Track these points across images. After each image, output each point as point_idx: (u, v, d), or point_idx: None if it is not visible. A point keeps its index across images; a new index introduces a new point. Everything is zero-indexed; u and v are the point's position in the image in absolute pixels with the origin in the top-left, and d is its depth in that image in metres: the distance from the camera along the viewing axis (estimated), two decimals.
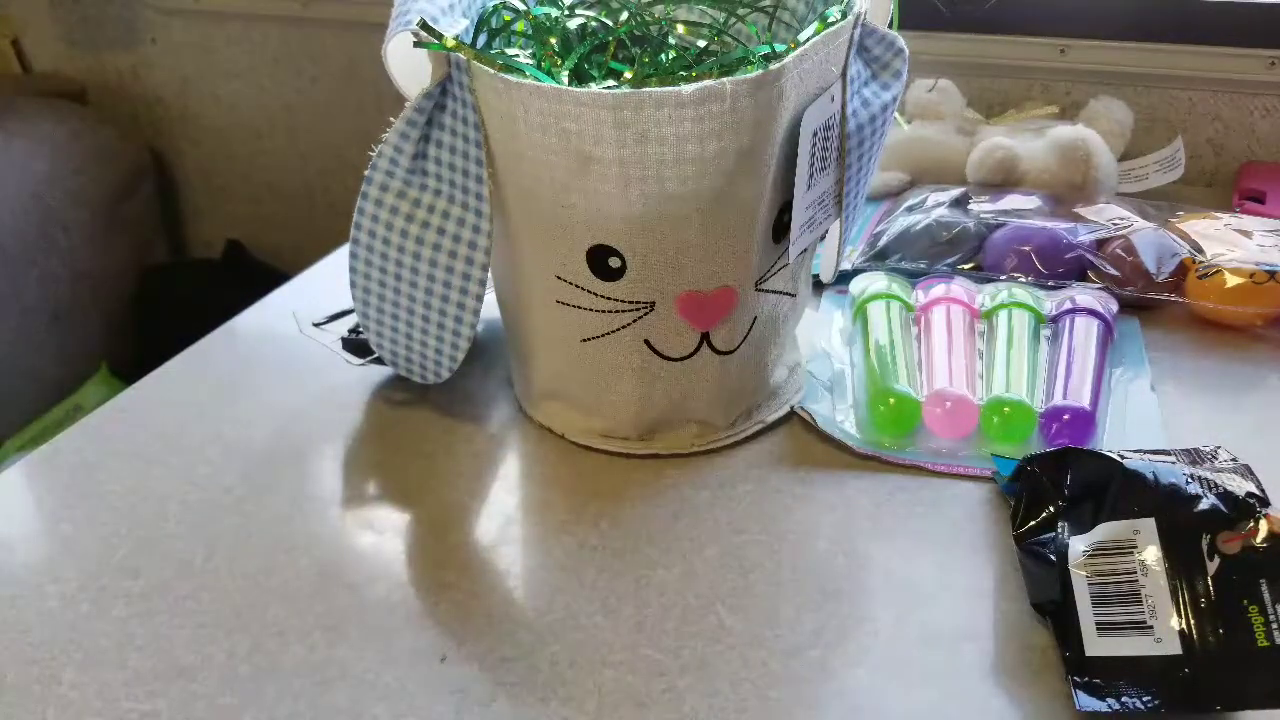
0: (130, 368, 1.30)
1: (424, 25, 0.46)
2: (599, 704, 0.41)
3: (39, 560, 0.49)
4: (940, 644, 0.43)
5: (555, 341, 0.53)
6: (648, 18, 0.54)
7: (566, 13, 0.54)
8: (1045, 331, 0.61)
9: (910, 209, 0.74)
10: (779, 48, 0.48)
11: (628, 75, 0.48)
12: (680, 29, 0.55)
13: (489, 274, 0.51)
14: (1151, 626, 0.41)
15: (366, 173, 0.50)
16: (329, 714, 0.41)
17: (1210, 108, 0.87)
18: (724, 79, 0.43)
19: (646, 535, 0.50)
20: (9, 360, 1.21)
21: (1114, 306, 0.62)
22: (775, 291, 0.54)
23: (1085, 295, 0.62)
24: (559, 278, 0.50)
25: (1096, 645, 0.41)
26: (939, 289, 0.63)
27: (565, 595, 0.46)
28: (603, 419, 0.55)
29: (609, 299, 0.50)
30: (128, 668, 0.43)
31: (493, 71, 0.45)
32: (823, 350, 0.62)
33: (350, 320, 0.64)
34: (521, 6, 0.54)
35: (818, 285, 0.70)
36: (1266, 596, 0.40)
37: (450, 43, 0.45)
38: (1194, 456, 0.46)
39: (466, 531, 0.50)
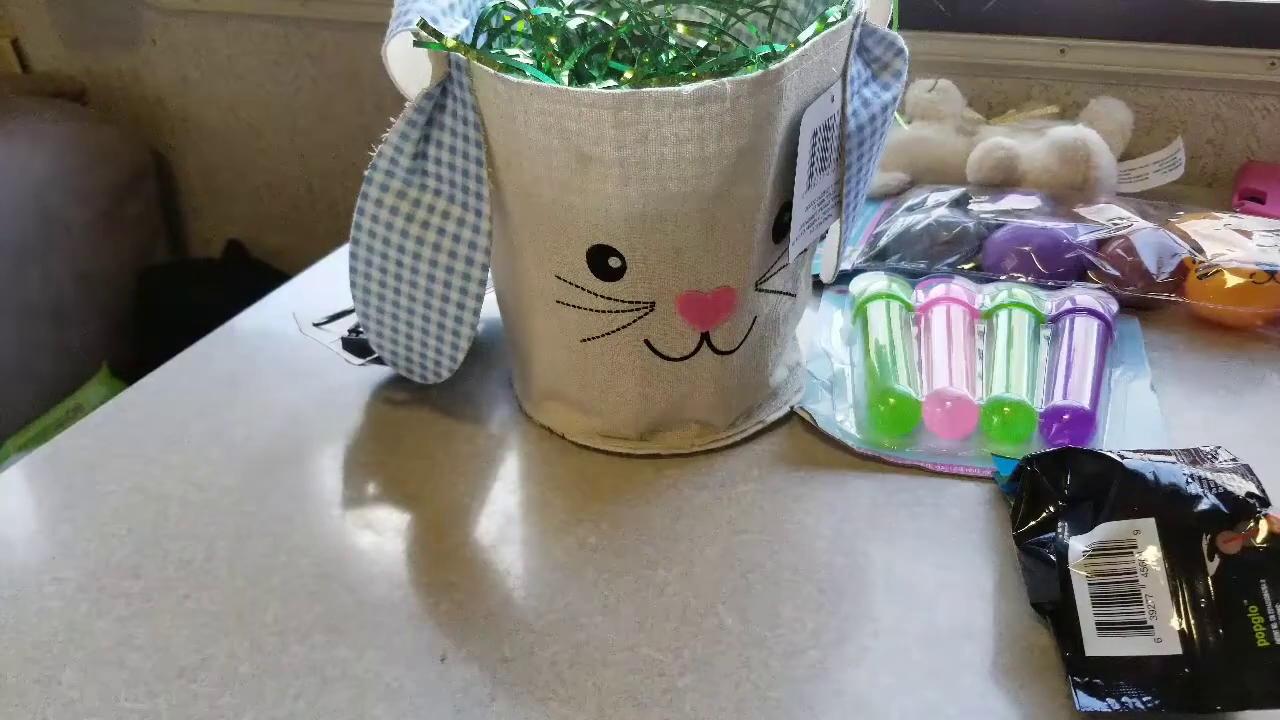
0: (130, 368, 1.30)
1: (424, 25, 0.46)
2: (599, 704, 0.41)
3: (39, 560, 0.49)
4: (940, 644, 0.43)
5: (555, 341, 0.53)
6: (648, 18, 0.54)
7: (566, 13, 0.54)
8: (1045, 331, 0.61)
9: (910, 209, 0.74)
10: (779, 48, 0.48)
11: (628, 75, 0.48)
12: (680, 29, 0.55)
13: (489, 274, 0.51)
14: (1152, 626, 0.41)
15: (366, 173, 0.50)
16: (329, 714, 0.41)
17: (1210, 108, 0.87)
18: (724, 79, 0.43)
19: (646, 535, 0.50)
20: (9, 360, 1.21)
21: (1114, 306, 0.62)
22: (775, 291, 0.54)
23: (1085, 295, 0.62)
24: (559, 278, 0.50)
25: (1096, 645, 0.41)
26: (939, 289, 0.63)
27: (565, 595, 0.46)
28: (603, 419, 0.55)
29: (609, 299, 0.50)
30: (127, 668, 0.44)
31: (493, 71, 0.45)
32: (823, 350, 0.62)
33: (350, 320, 0.64)
34: (521, 6, 0.54)
35: (818, 285, 0.70)
36: (1266, 596, 0.40)
37: (450, 43, 0.45)
38: (1194, 456, 0.46)
39: (466, 531, 0.50)
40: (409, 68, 0.49)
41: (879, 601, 0.46)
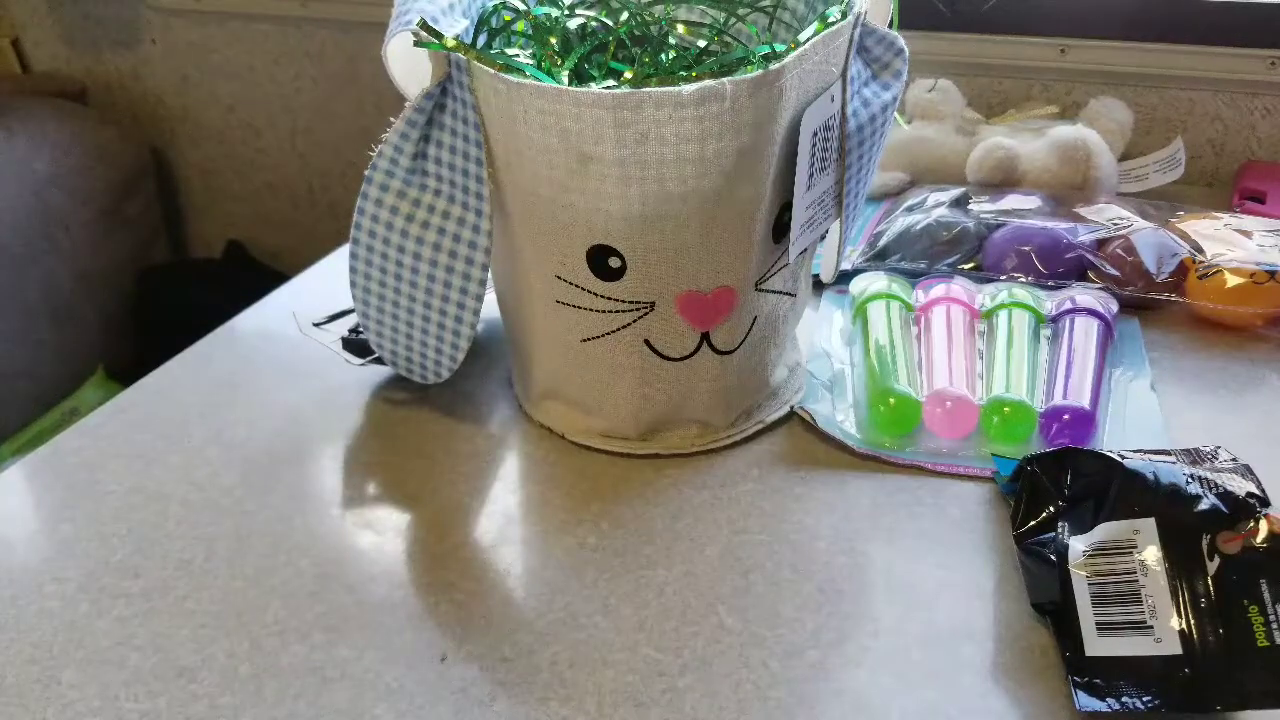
0: (128, 369, 1.30)
1: (424, 25, 0.46)
2: (599, 704, 0.41)
3: (39, 560, 0.49)
4: (940, 644, 0.43)
5: (555, 341, 0.53)
6: (648, 18, 0.54)
7: (566, 13, 0.54)
8: (1045, 331, 0.61)
9: (910, 209, 0.74)
10: (779, 48, 0.48)
11: (628, 75, 0.48)
12: (680, 29, 0.55)
13: (489, 274, 0.51)
14: (1151, 626, 0.41)
15: (366, 173, 0.50)
16: (329, 714, 0.41)
17: (1210, 108, 0.87)
18: (724, 79, 0.43)
19: (646, 535, 0.50)
20: (8, 360, 1.21)
21: (1114, 306, 0.62)
22: (775, 291, 0.54)
23: (1085, 295, 0.62)
24: (559, 278, 0.50)
25: (1096, 645, 0.41)
26: (939, 289, 0.63)
27: (565, 595, 0.46)
28: (603, 419, 0.55)
29: (609, 299, 0.50)
30: (128, 668, 0.44)
31: (493, 71, 0.45)
32: (823, 350, 0.62)
33: (350, 320, 0.64)
34: (521, 6, 0.54)
35: (818, 285, 0.70)
36: (1266, 596, 0.40)
37: (450, 43, 0.45)
38: (1194, 456, 0.46)
39: (466, 531, 0.50)
40: (409, 68, 0.49)
41: (879, 601, 0.46)
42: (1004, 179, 0.77)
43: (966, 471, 0.53)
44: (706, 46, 0.55)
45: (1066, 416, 0.54)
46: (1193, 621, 0.40)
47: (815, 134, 0.48)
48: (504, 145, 0.47)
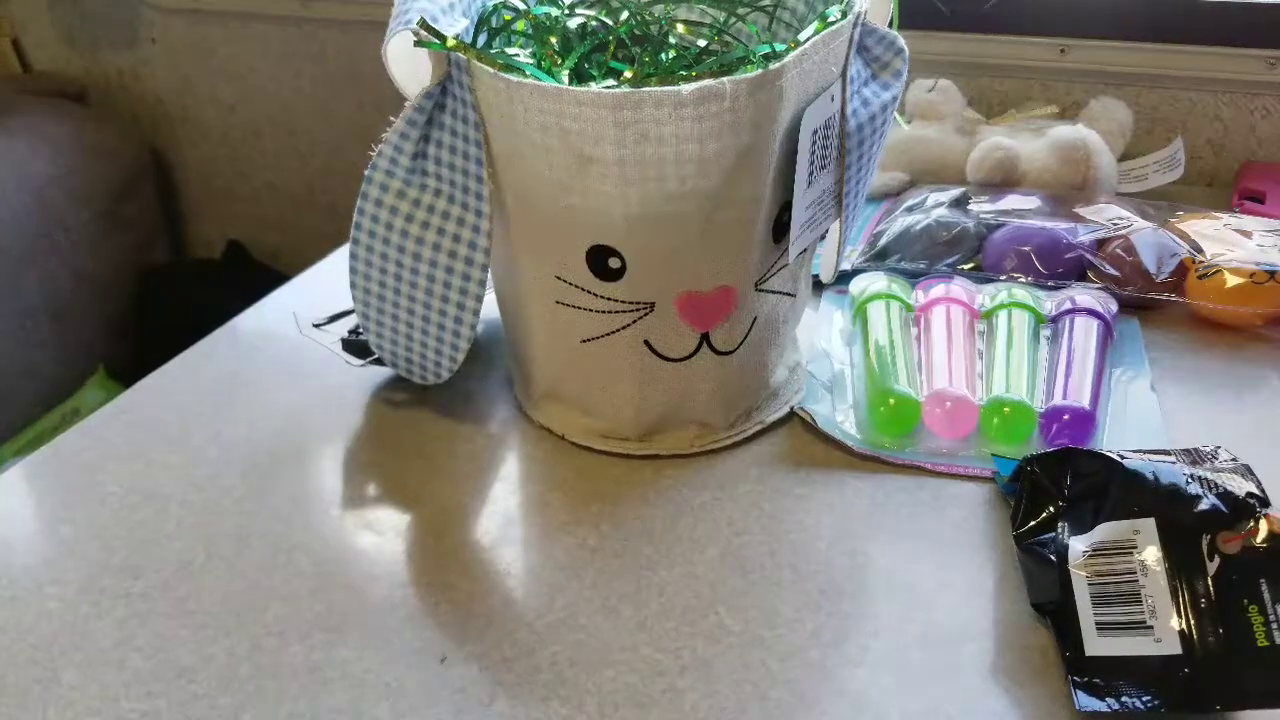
0: (128, 369, 1.30)
1: (424, 25, 0.46)
2: (599, 704, 0.41)
3: (39, 561, 0.49)
4: (940, 644, 0.43)
5: (555, 342, 0.53)
6: (648, 17, 0.54)
7: (566, 12, 0.54)
8: (1045, 331, 0.61)
9: (910, 209, 0.74)
10: (779, 48, 0.48)
11: (628, 75, 0.48)
12: (680, 29, 0.55)
13: (489, 274, 0.51)
14: (1151, 626, 0.41)
15: (367, 173, 0.50)
16: (329, 714, 0.41)
17: (1210, 108, 0.87)
18: (724, 79, 0.43)
19: (646, 535, 0.50)
20: (8, 360, 1.21)
21: (1114, 306, 0.62)
22: (775, 291, 0.54)
23: (1085, 295, 0.62)
24: (559, 278, 0.50)
25: (1096, 645, 0.41)
26: (939, 289, 0.63)
27: (565, 595, 0.46)
28: (603, 419, 0.55)
29: (609, 299, 0.50)
30: (128, 668, 0.44)
31: (493, 71, 0.45)
32: (823, 350, 0.62)
33: (350, 321, 0.64)
34: (521, 6, 0.54)
35: (818, 285, 0.70)
36: (1266, 596, 0.40)
37: (450, 42, 0.45)
38: (1194, 456, 0.46)
39: (466, 531, 0.50)
40: (409, 68, 0.49)
41: (879, 601, 0.46)
42: (1004, 179, 0.77)
43: (966, 471, 0.53)
44: (706, 46, 0.55)
45: (1066, 416, 0.54)
46: (1193, 621, 0.40)
47: (815, 134, 0.48)
48: (504, 145, 0.47)
